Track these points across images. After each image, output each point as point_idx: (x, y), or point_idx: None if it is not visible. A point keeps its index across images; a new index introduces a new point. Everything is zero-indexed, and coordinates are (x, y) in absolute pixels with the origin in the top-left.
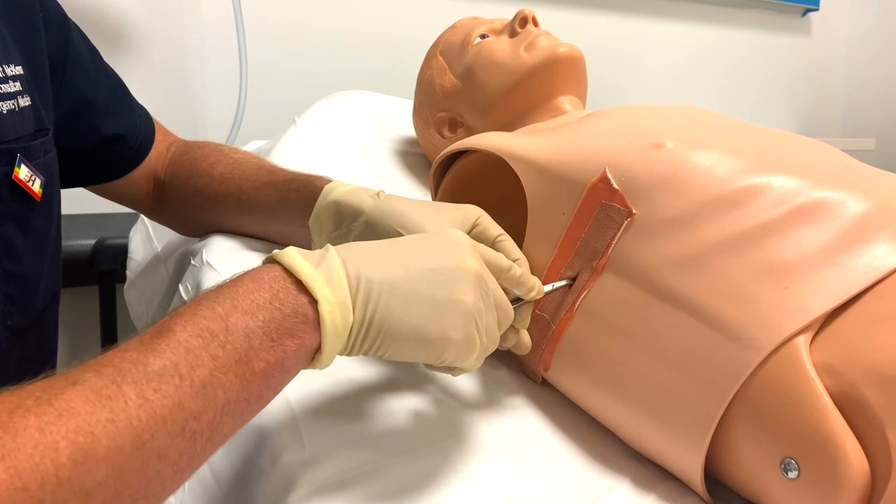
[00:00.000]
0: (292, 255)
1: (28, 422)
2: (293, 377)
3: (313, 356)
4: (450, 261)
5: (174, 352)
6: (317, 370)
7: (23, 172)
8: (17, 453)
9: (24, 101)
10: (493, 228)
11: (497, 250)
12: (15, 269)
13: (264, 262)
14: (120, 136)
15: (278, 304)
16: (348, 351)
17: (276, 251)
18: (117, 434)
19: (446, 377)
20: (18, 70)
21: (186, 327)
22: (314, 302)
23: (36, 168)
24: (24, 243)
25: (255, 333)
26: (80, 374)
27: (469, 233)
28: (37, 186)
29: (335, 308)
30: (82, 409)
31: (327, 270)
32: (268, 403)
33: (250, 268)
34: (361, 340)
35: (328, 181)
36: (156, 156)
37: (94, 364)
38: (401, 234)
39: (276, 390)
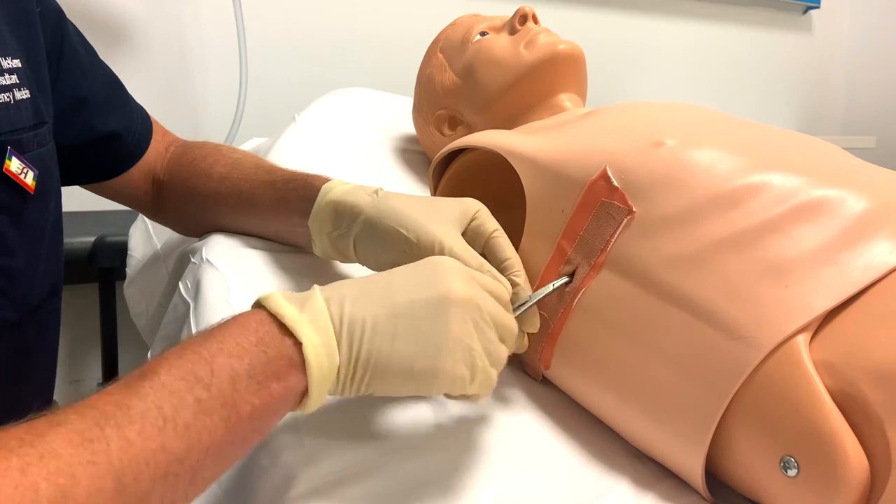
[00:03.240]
0: (276, 299)
1: (10, 463)
2: (280, 419)
3: (301, 399)
4: (433, 291)
5: (158, 394)
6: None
7: (14, 165)
8: None
9: (22, 94)
10: (489, 223)
11: (491, 246)
12: (7, 263)
13: (252, 307)
14: (116, 133)
15: (263, 347)
16: (340, 391)
17: (261, 295)
18: (98, 476)
19: None
20: (16, 63)
21: (171, 370)
22: (299, 344)
23: (29, 161)
24: (18, 236)
25: (240, 376)
26: (63, 417)
27: (467, 227)
28: (29, 179)
29: (320, 349)
30: (64, 451)
31: (312, 312)
32: (251, 447)
33: (236, 313)
34: (350, 380)
35: (326, 180)
36: (154, 155)
37: (78, 407)
38: (400, 233)
39: (262, 433)
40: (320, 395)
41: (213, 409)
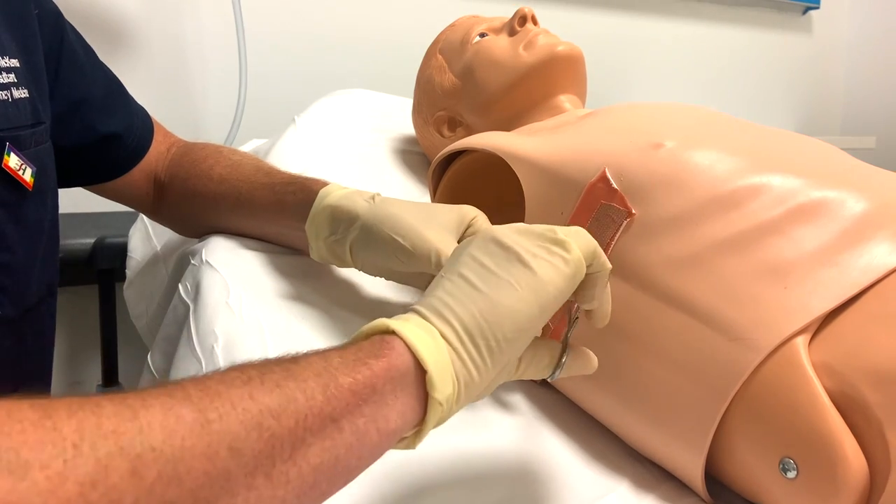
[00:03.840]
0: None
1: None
2: (399, 417)
3: (420, 380)
4: (496, 244)
5: (236, 367)
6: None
7: (12, 161)
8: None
9: (20, 94)
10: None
11: None
12: (6, 259)
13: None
14: (116, 134)
15: (349, 344)
16: (465, 361)
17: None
18: (173, 405)
19: None
20: (14, 63)
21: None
22: (389, 332)
23: (27, 158)
24: (17, 233)
25: (330, 356)
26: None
27: (463, 234)
28: (28, 175)
29: (410, 326)
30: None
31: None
32: (372, 450)
33: None
34: (470, 341)
35: (324, 184)
36: (156, 156)
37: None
38: (395, 240)
39: (377, 424)
40: (438, 364)
41: (305, 377)
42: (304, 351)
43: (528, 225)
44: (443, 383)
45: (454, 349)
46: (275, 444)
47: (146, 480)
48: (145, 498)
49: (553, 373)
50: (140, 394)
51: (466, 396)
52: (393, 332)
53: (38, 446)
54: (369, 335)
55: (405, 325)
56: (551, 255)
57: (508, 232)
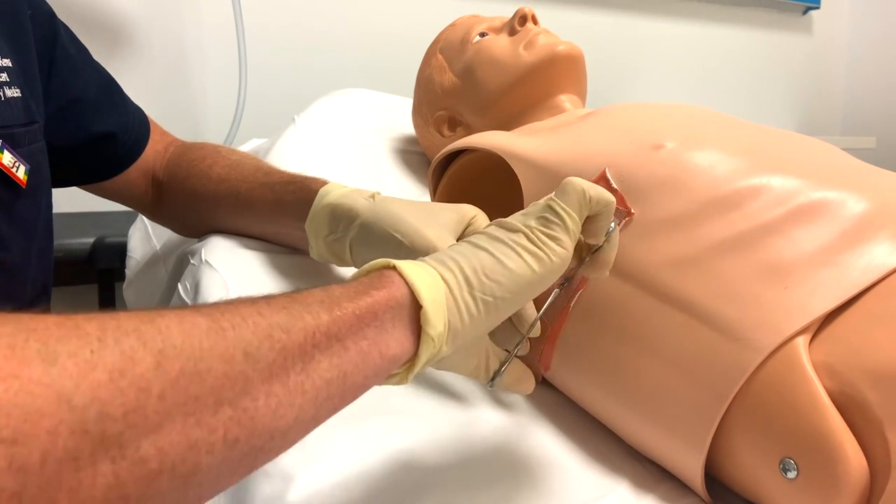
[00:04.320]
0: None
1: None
2: (398, 345)
3: (415, 313)
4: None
5: (242, 297)
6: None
7: (6, 158)
8: None
9: (12, 93)
10: None
11: None
12: (1, 257)
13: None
14: (110, 134)
15: (350, 280)
16: (458, 302)
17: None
18: (187, 315)
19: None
20: (6, 62)
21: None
22: (390, 268)
23: (21, 156)
24: (11, 231)
25: (332, 287)
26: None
27: (463, 232)
28: (21, 173)
29: (411, 265)
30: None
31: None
32: (376, 371)
33: None
34: (466, 284)
35: (324, 183)
36: (153, 155)
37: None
38: (394, 237)
39: (379, 348)
40: (433, 303)
41: (309, 302)
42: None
43: (529, 207)
44: (436, 319)
45: (451, 291)
46: (287, 356)
47: (170, 374)
48: (171, 389)
49: (491, 380)
50: (153, 310)
51: (452, 341)
52: (393, 268)
53: (64, 339)
54: (370, 272)
55: (407, 264)
56: (549, 228)
57: (514, 216)
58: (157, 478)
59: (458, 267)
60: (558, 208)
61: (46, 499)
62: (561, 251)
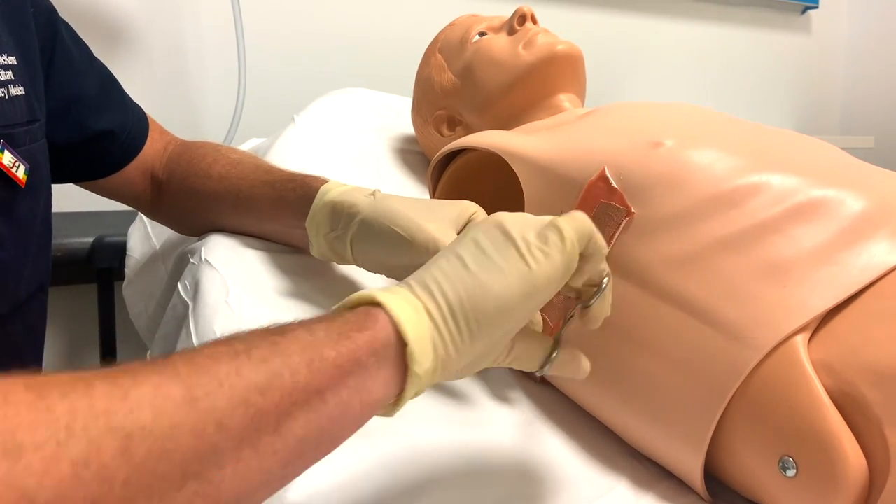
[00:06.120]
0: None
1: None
2: (382, 388)
3: (400, 353)
4: (489, 224)
5: (224, 341)
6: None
7: (6, 158)
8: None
9: (16, 91)
10: None
11: None
12: None
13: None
14: (109, 131)
15: (335, 314)
16: (445, 339)
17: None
18: (162, 383)
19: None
20: (11, 60)
21: (238, 338)
22: (374, 304)
23: (21, 155)
24: (8, 230)
25: (316, 329)
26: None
27: (463, 228)
28: (21, 173)
29: (397, 299)
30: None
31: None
32: (355, 420)
33: None
34: (452, 319)
35: (325, 181)
36: (152, 153)
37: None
38: (395, 232)
39: (360, 396)
40: (419, 340)
41: (291, 351)
42: (291, 321)
43: (533, 216)
44: (423, 357)
45: (436, 325)
46: (260, 419)
47: (136, 458)
48: (136, 474)
49: (542, 367)
50: (131, 371)
51: (444, 372)
52: (378, 304)
53: (32, 428)
54: (355, 306)
55: (391, 298)
56: (546, 244)
57: (513, 220)
58: None
59: (443, 294)
60: (563, 226)
61: None
62: (551, 271)
